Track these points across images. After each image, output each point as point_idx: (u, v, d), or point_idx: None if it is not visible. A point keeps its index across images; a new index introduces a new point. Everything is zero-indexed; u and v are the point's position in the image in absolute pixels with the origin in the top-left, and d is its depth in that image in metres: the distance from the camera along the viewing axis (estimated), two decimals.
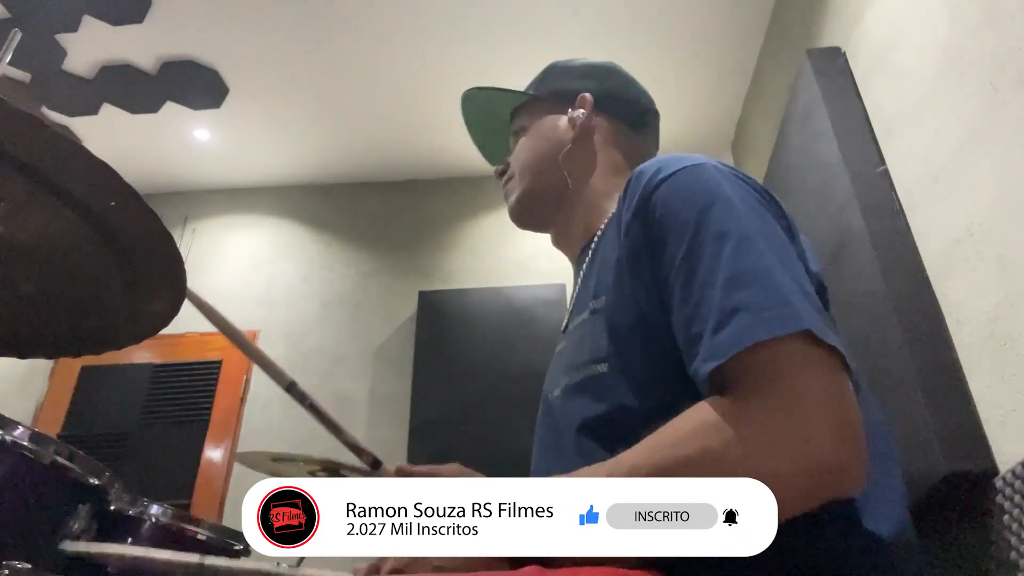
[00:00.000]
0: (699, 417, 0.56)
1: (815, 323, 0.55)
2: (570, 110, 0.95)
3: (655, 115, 1.01)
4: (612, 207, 0.85)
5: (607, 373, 0.70)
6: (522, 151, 0.97)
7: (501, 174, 1.01)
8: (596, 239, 0.86)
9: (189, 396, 3.24)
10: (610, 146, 0.95)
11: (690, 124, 3.38)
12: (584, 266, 0.87)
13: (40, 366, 3.34)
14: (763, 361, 0.55)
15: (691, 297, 0.61)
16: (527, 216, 0.98)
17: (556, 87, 0.98)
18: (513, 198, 0.97)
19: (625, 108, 0.98)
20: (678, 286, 0.63)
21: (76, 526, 0.98)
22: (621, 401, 0.67)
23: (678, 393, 0.61)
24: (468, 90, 1.04)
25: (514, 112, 1.02)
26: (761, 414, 0.54)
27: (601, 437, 0.68)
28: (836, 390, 0.55)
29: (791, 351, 0.55)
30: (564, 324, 0.88)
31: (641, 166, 0.74)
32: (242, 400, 3.22)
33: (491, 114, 1.05)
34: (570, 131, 0.94)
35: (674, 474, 0.53)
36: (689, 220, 0.64)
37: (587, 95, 0.95)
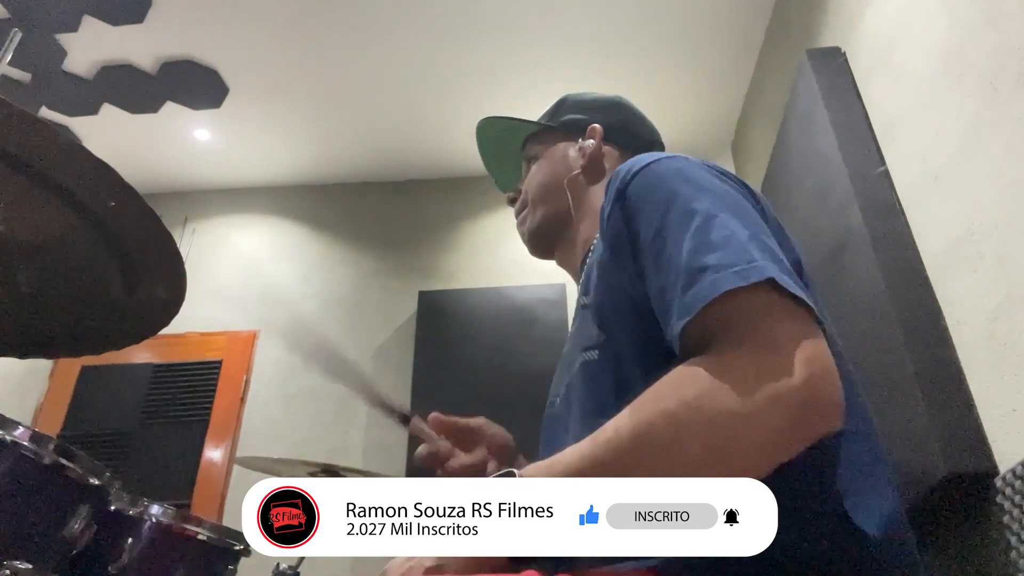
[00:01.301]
0: (674, 376, 0.58)
1: (777, 274, 0.57)
2: (580, 139, 1.00)
3: (660, 146, 1.06)
4: None
5: (597, 359, 0.72)
6: (535, 177, 1.02)
7: (513, 201, 1.05)
8: (591, 250, 0.90)
9: (189, 396, 3.24)
10: None
11: (690, 124, 3.37)
12: (582, 277, 0.90)
13: (40, 366, 3.33)
14: (730, 312, 0.57)
15: (661, 269, 0.64)
16: (542, 245, 1.01)
17: (568, 118, 1.03)
18: (527, 229, 1.01)
19: (632, 139, 1.02)
20: (651, 262, 0.66)
21: (76, 526, 0.98)
22: (615, 384, 0.69)
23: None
24: (483, 119, 1.09)
25: (526, 140, 1.07)
26: (731, 360, 0.56)
27: (605, 419, 0.68)
28: (804, 333, 0.56)
29: (755, 300, 0.57)
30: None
31: (620, 166, 0.77)
32: (242, 400, 3.21)
33: (502, 142, 1.09)
34: (580, 159, 0.99)
35: (657, 432, 0.54)
36: (660, 201, 0.68)
37: (597, 126, 0.99)
